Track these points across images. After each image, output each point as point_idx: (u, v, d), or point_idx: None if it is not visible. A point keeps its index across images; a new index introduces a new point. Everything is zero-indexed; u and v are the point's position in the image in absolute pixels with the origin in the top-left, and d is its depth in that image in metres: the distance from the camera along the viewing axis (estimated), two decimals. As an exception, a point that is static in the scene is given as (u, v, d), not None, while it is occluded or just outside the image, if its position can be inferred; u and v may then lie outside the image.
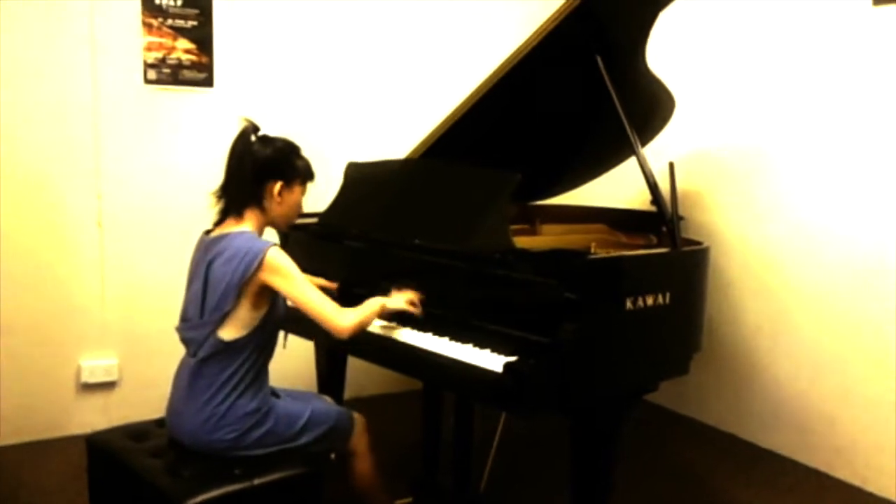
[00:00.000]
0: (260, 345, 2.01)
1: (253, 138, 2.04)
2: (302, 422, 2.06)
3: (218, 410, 1.96)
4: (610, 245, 2.66)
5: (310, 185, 2.16)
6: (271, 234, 2.71)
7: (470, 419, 2.68)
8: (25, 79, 3.10)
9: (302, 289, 1.96)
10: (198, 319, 1.99)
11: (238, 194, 2.03)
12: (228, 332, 1.96)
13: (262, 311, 1.99)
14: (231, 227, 2.02)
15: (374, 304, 2.07)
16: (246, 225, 2.02)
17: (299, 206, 2.12)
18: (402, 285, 2.18)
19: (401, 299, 2.13)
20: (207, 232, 2.08)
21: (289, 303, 2.04)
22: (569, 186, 3.20)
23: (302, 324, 2.10)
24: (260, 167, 2.02)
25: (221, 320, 1.95)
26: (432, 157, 2.61)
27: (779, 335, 3.31)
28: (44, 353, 3.23)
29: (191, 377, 2.00)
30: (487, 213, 2.15)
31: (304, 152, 2.15)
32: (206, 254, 2.00)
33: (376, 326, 2.18)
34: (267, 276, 1.93)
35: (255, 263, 1.91)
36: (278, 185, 2.04)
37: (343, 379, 2.88)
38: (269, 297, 1.99)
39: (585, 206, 3.13)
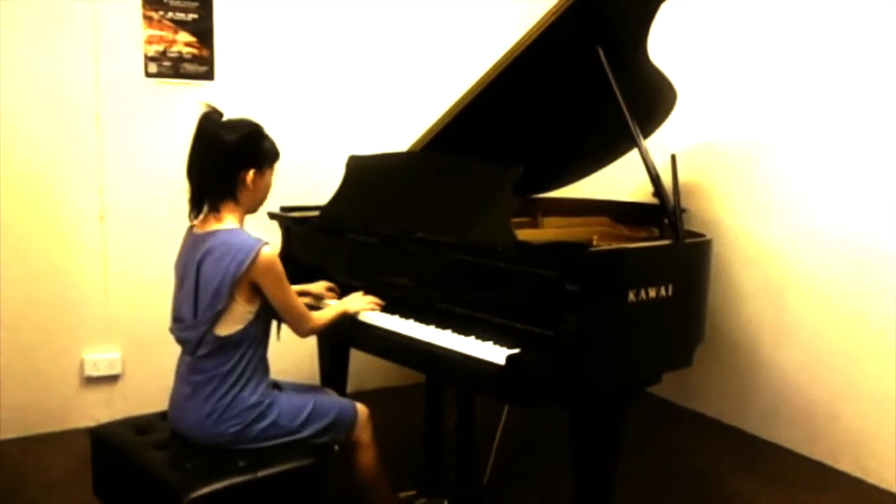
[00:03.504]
0: (257, 337, 2.02)
1: (217, 126, 1.98)
2: (305, 414, 2.06)
3: (220, 405, 1.96)
4: (612, 237, 2.65)
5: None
6: (273, 228, 2.72)
7: (472, 412, 2.68)
8: (26, 72, 3.09)
9: (288, 292, 2.01)
10: (191, 320, 1.98)
11: (214, 188, 1.99)
12: (224, 329, 1.96)
13: (257, 305, 1.99)
14: (216, 222, 1.99)
15: (337, 308, 2.17)
16: (229, 219, 1.99)
17: (269, 187, 2.10)
18: (367, 288, 2.29)
19: (361, 302, 2.22)
20: (191, 227, 2.05)
21: None
22: (571, 179, 3.19)
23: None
24: (232, 158, 1.98)
25: (216, 318, 1.94)
26: (434, 151, 2.61)
27: (782, 327, 3.30)
28: (47, 346, 3.23)
29: (191, 373, 2.00)
30: (489, 206, 2.15)
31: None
32: (195, 251, 1.98)
33: (379, 320, 2.19)
34: (257, 275, 1.93)
35: (248, 261, 1.91)
36: (251, 174, 2.00)
37: (346, 372, 2.88)
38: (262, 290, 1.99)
39: (587, 199, 3.12)
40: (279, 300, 1.99)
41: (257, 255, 1.92)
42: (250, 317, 1.98)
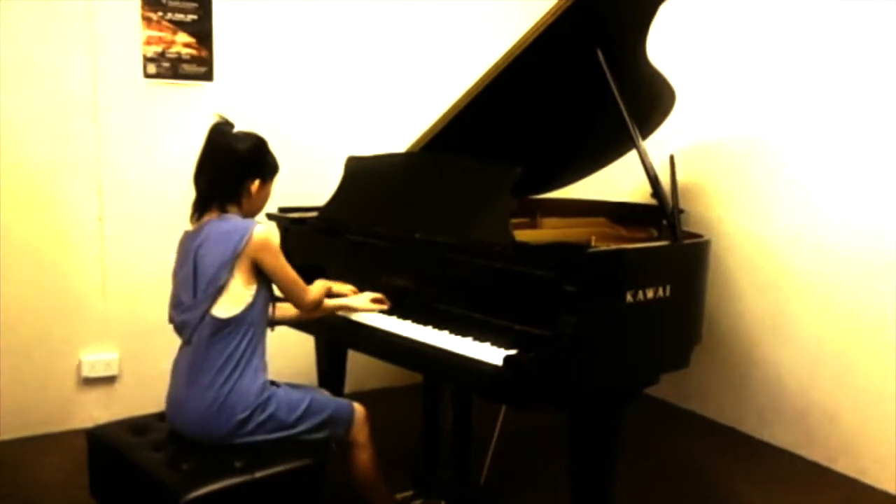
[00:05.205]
0: (254, 322, 2.03)
1: (229, 136, 2.08)
2: (302, 408, 2.07)
3: (220, 394, 1.97)
4: (610, 238, 2.66)
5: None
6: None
7: (469, 413, 2.68)
8: (26, 74, 3.09)
9: (285, 265, 2.06)
10: (191, 300, 2.01)
11: (220, 194, 2.07)
12: (222, 309, 1.98)
13: (254, 288, 2.02)
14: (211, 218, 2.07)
15: (341, 301, 2.25)
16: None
17: (268, 199, 2.20)
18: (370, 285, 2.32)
19: (364, 301, 2.27)
20: (186, 231, 2.12)
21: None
22: (569, 180, 3.19)
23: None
24: (241, 167, 2.08)
25: (216, 296, 1.98)
26: (433, 151, 2.61)
27: (779, 328, 3.31)
28: (44, 347, 3.23)
29: (190, 364, 2.01)
30: (488, 206, 2.15)
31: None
32: (192, 244, 2.04)
33: (377, 321, 2.19)
34: (255, 252, 1.98)
35: (245, 239, 1.97)
36: (256, 183, 2.10)
37: (343, 373, 2.88)
38: (261, 272, 2.03)
39: (586, 200, 3.13)
40: (280, 274, 2.05)
41: (251, 233, 1.98)
42: (249, 299, 2.00)
